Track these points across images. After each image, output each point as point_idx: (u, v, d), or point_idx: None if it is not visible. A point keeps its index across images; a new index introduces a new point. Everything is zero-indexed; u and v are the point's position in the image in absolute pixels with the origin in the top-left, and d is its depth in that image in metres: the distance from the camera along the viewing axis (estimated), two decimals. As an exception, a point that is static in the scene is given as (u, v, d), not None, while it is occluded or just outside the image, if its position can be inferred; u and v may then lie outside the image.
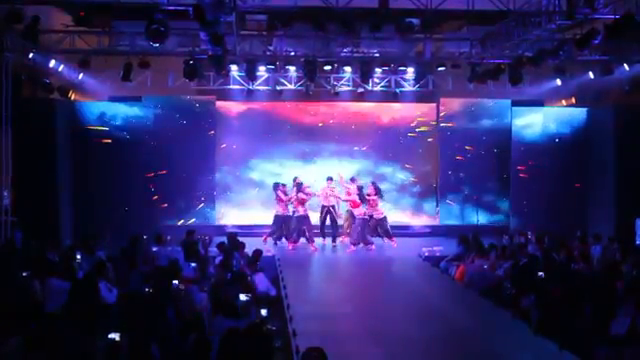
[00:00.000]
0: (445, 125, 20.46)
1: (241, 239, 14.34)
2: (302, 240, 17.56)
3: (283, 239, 17.76)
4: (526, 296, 10.42)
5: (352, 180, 18.18)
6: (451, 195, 20.37)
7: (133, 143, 18.79)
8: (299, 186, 17.49)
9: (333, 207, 18.10)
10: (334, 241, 18.09)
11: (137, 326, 7.12)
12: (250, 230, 18.37)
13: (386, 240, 17.79)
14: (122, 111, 19.08)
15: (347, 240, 17.85)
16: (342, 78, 20.06)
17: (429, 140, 20.90)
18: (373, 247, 17.35)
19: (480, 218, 19.61)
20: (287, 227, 17.62)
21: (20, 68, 16.23)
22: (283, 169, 20.50)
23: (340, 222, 18.31)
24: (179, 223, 18.75)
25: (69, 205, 17.99)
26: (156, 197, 19.05)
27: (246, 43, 17.50)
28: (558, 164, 19.47)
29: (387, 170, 20.88)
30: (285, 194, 17.61)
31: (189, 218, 19.03)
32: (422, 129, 20.92)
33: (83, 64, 16.82)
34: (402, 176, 20.94)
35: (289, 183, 17.99)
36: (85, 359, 6.74)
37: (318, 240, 17.88)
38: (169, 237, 15.23)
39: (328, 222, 18.20)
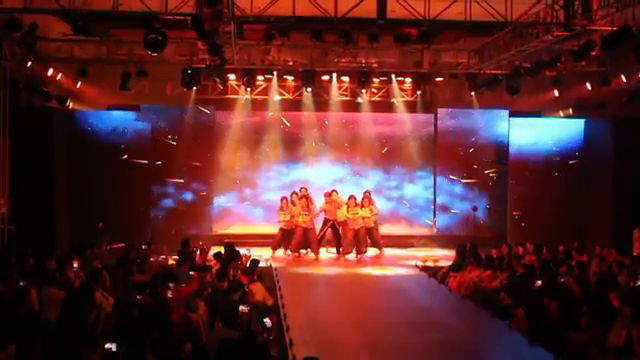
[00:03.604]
0: (442, 135, 20.45)
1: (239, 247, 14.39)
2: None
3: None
4: (522, 307, 10.41)
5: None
6: (448, 205, 20.34)
7: (131, 152, 18.77)
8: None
9: (335, 220, 18.15)
10: (339, 252, 18.03)
11: (133, 335, 7.10)
12: (247, 240, 18.29)
13: (375, 250, 17.98)
14: (120, 120, 19.08)
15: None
16: (340, 88, 20.06)
17: (426, 150, 20.88)
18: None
19: (477, 228, 19.58)
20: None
21: (18, 76, 16.24)
22: (282, 177, 20.49)
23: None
24: (176, 231, 18.69)
25: (66, 214, 17.95)
26: (153, 205, 19.05)
27: (244, 53, 17.55)
28: (555, 174, 19.48)
29: (384, 179, 20.86)
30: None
31: (186, 227, 18.95)
32: (419, 139, 20.91)
33: (81, 73, 16.83)
34: (399, 186, 20.92)
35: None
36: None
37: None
38: (165, 246, 15.27)
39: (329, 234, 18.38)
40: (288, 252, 17.75)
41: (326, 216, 18.22)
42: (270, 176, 20.66)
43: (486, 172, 20.08)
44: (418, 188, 20.99)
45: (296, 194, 18.00)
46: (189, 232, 17.71)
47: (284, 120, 20.54)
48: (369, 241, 17.96)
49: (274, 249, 17.77)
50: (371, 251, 18.11)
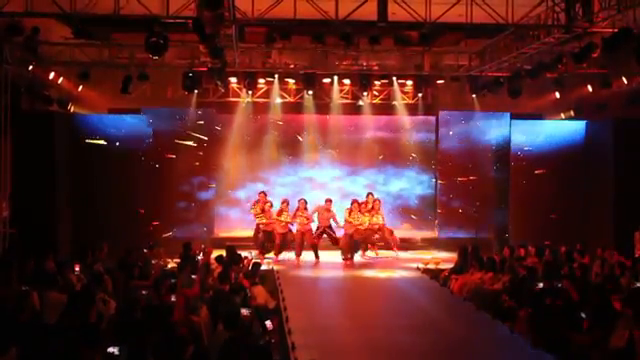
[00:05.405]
0: (444, 137, 20.44)
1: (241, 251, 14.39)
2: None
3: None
4: (524, 309, 10.39)
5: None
6: (450, 207, 20.32)
7: (132, 155, 18.74)
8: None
9: (330, 227, 18.10)
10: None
11: (135, 338, 7.10)
12: (249, 243, 18.28)
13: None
14: (121, 123, 19.05)
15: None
16: (341, 90, 20.07)
17: (427, 152, 20.89)
18: None
19: (479, 230, 19.56)
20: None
21: (19, 80, 16.25)
22: (284, 180, 20.52)
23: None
24: (178, 235, 18.67)
25: (67, 217, 17.92)
26: (154, 209, 19.02)
27: (245, 56, 17.56)
28: (557, 177, 19.45)
29: (386, 182, 20.87)
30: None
31: (188, 230, 18.94)
32: (420, 141, 20.91)
33: (83, 76, 16.85)
34: (401, 188, 20.93)
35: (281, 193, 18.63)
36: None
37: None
38: (162, 249, 15.26)
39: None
40: (289, 255, 17.75)
41: (318, 224, 18.07)
42: (272, 178, 20.65)
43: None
44: (419, 189, 20.98)
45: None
46: (191, 235, 17.70)
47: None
48: (382, 243, 17.98)
49: (277, 254, 17.75)
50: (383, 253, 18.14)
